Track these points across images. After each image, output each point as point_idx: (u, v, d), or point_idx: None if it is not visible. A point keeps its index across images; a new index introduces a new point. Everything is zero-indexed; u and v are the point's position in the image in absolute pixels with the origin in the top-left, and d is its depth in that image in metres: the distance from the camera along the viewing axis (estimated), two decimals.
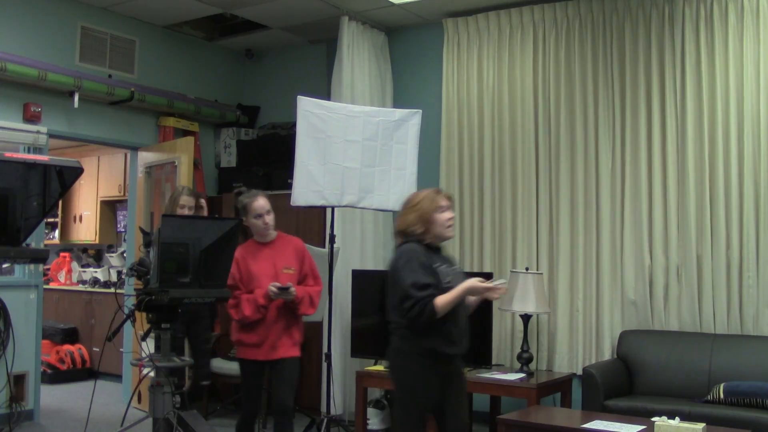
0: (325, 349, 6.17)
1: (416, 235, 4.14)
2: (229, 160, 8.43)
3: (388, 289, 4.15)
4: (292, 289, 4.78)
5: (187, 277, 4.39)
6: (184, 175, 7.17)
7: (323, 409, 6.34)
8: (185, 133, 7.94)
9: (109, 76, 7.32)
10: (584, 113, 6.52)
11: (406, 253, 4.08)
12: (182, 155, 7.25)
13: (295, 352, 4.97)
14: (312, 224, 7.32)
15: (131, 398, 6.11)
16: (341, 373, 6.77)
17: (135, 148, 7.93)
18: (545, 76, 6.73)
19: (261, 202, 4.91)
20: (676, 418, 4.81)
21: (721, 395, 5.32)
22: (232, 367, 7.15)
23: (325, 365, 6.09)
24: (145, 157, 7.78)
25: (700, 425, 4.63)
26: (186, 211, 5.35)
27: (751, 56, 5.90)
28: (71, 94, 6.98)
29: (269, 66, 8.64)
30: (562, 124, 6.59)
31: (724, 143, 5.97)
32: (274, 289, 4.75)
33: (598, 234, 6.42)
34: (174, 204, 5.53)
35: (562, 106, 6.61)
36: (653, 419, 4.84)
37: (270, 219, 4.94)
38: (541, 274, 6.39)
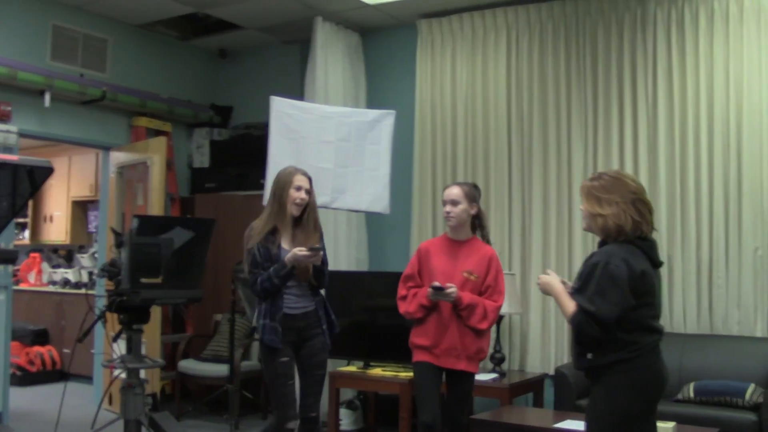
0: None
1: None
2: (202, 160, 8.39)
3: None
4: (452, 290, 4.35)
5: (159, 278, 4.38)
6: (157, 176, 7.12)
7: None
8: (158, 133, 7.89)
9: (81, 75, 7.25)
10: (557, 115, 6.56)
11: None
12: (155, 155, 7.21)
13: (470, 368, 4.49)
14: None
15: (102, 400, 6.05)
16: None
17: (107, 148, 7.87)
18: (519, 78, 6.75)
19: (449, 190, 4.58)
20: None
21: (691, 394, 5.37)
22: (204, 369, 7.12)
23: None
24: (117, 157, 7.72)
25: (671, 424, 4.68)
26: (303, 194, 4.52)
27: (721, 59, 5.96)
28: (42, 93, 6.91)
29: (243, 66, 8.61)
30: (535, 125, 6.62)
31: (694, 145, 6.03)
32: (429, 288, 4.39)
33: (571, 235, 6.45)
34: (287, 185, 4.53)
35: (535, 107, 6.64)
36: None
37: (454, 210, 4.53)
38: (514, 274, 6.42)
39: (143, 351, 4.63)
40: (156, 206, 7.06)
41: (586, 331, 3.33)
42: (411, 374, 6.08)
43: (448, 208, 4.53)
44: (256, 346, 7.34)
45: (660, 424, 4.70)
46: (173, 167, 8.06)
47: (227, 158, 8.23)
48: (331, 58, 7.16)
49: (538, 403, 6.23)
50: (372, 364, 6.34)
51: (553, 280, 3.59)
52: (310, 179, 4.63)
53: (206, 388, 7.35)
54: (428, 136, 7.12)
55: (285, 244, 4.50)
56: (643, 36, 6.27)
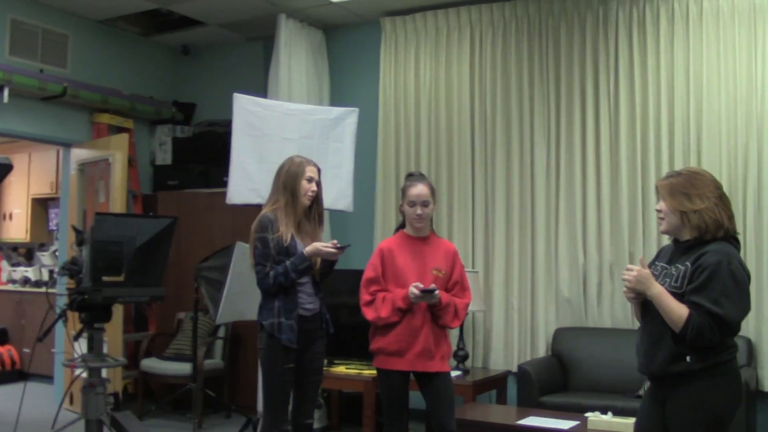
0: None
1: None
2: (165, 157, 8.33)
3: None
4: (437, 292, 4.21)
5: (121, 276, 4.34)
6: (119, 173, 7.06)
7: (259, 408, 6.29)
8: (120, 129, 7.81)
9: (41, 70, 7.16)
10: (520, 113, 6.60)
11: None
12: (116, 152, 7.14)
13: (445, 367, 4.35)
14: (248, 222, 7.23)
15: (63, 400, 5.99)
16: None
17: (68, 145, 7.78)
18: (482, 76, 6.78)
19: (419, 189, 4.32)
20: (609, 413, 4.93)
21: None
22: (166, 367, 7.08)
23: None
24: (78, 154, 7.64)
25: (632, 420, 4.71)
26: (313, 186, 4.38)
27: (681, 59, 6.04)
28: (1, 89, 6.81)
29: (206, 63, 8.56)
30: (498, 123, 6.66)
31: (655, 143, 6.10)
32: (416, 291, 4.18)
33: (533, 232, 6.50)
34: (299, 176, 4.36)
35: (498, 105, 6.67)
36: (587, 414, 4.95)
37: (426, 211, 4.34)
38: (477, 272, 6.46)
39: (105, 350, 4.60)
40: (118, 204, 7.00)
41: (706, 335, 3.11)
42: (375, 372, 6.10)
43: (420, 210, 4.32)
44: (219, 345, 7.32)
45: (621, 420, 4.78)
46: (135, 164, 8.00)
47: (190, 155, 8.18)
48: (295, 55, 7.13)
49: (502, 400, 6.27)
50: (336, 362, 6.33)
51: (650, 274, 3.32)
52: (319, 170, 4.49)
53: (169, 387, 7.30)
54: (392, 134, 7.13)
55: (295, 236, 4.31)
56: (605, 35, 6.33)
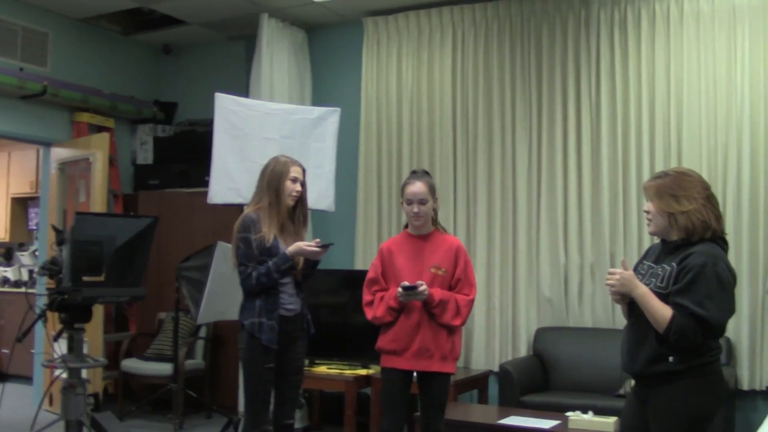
0: None
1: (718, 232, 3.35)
2: (146, 156, 8.30)
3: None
4: (423, 288, 4.15)
5: (101, 276, 4.33)
6: (99, 172, 7.03)
7: (240, 408, 6.28)
8: (100, 129, 7.77)
9: (21, 69, 7.11)
10: (502, 113, 6.61)
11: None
12: (97, 152, 7.11)
13: (446, 368, 4.28)
14: (229, 222, 7.21)
15: (42, 401, 5.95)
16: None
17: (48, 144, 7.73)
18: (464, 76, 6.80)
19: (415, 188, 4.28)
20: (590, 412, 4.95)
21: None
22: (147, 368, 7.05)
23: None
24: (59, 154, 7.60)
25: (612, 419, 4.76)
26: (298, 187, 4.35)
27: (662, 60, 6.07)
28: None
29: (187, 62, 8.53)
30: (480, 123, 6.67)
31: (636, 144, 6.13)
32: (400, 289, 4.16)
33: (515, 233, 6.52)
34: (284, 176, 4.34)
35: (480, 106, 6.69)
36: (567, 414, 4.97)
37: (422, 209, 4.29)
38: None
39: (85, 350, 4.57)
40: (98, 203, 6.97)
41: (690, 336, 3.11)
42: (356, 372, 6.12)
43: (416, 208, 4.28)
44: (200, 345, 7.29)
45: (602, 419, 4.80)
46: (116, 164, 7.96)
47: (171, 155, 8.15)
48: (277, 54, 7.12)
49: (483, 399, 6.28)
50: (317, 362, 6.33)
51: (633, 275, 3.31)
52: (304, 171, 4.45)
53: (150, 388, 7.26)
54: (373, 134, 7.13)
55: (278, 237, 4.29)
56: (587, 36, 6.36)
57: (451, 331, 4.29)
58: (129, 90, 8.21)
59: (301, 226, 4.44)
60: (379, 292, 4.35)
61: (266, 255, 4.21)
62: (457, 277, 4.33)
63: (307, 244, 4.21)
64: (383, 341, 4.34)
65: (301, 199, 4.42)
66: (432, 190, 4.36)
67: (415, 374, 4.34)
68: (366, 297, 4.38)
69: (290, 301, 4.32)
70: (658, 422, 3.27)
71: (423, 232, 4.39)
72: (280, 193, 4.29)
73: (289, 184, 4.31)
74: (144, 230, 4.47)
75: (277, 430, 4.39)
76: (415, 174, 4.43)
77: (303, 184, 4.40)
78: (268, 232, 4.22)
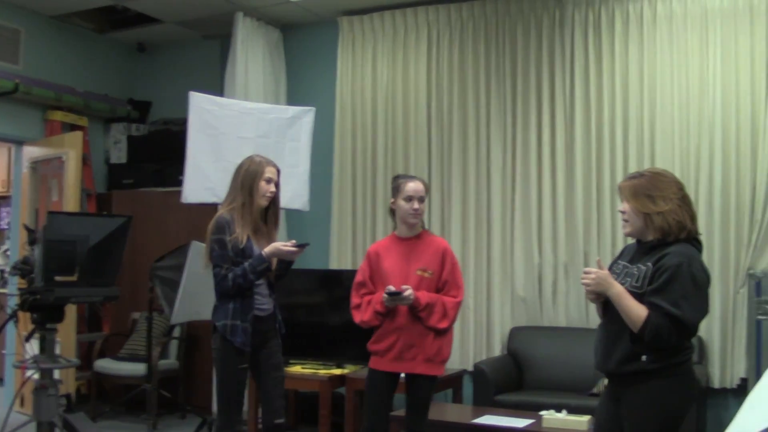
0: None
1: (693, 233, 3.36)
2: (120, 156, 8.24)
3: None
4: (408, 293, 4.15)
5: (74, 276, 4.30)
6: (72, 171, 6.98)
7: (215, 408, 6.25)
8: (73, 127, 7.69)
9: None
10: (476, 113, 6.63)
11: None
12: (70, 150, 7.06)
13: (430, 370, 4.29)
14: (203, 221, 7.19)
15: (13, 402, 5.89)
16: None
17: (20, 143, 7.66)
18: (439, 76, 6.81)
19: (416, 184, 4.31)
20: (563, 411, 4.98)
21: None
22: (121, 368, 7.01)
23: None
24: (31, 152, 7.53)
25: (586, 418, 4.79)
26: (272, 188, 4.30)
27: (635, 61, 6.12)
28: None
29: (162, 61, 8.48)
30: (455, 123, 6.69)
31: (610, 144, 6.17)
32: (385, 294, 4.18)
33: (489, 232, 6.54)
34: (257, 177, 4.28)
35: (455, 105, 6.70)
36: (541, 413, 5.00)
37: (422, 207, 4.34)
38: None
39: (57, 351, 4.54)
40: (71, 202, 6.92)
41: (665, 336, 3.13)
42: (330, 371, 6.12)
43: (417, 205, 4.29)
44: (174, 345, 7.26)
45: (576, 418, 4.83)
46: (89, 163, 7.88)
47: (145, 154, 8.10)
48: (252, 53, 7.10)
49: (458, 399, 6.29)
50: (291, 361, 6.31)
51: (608, 275, 3.33)
52: (279, 171, 4.41)
53: (123, 388, 7.23)
54: (348, 133, 7.13)
55: (251, 238, 4.25)
56: (561, 37, 6.39)
57: (439, 333, 4.28)
58: (103, 88, 8.16)
59: (273, 227, 4.41)
60: (366, 296, 4.35)
61: (240, 256, 4.18)
62: (444, 279, 4.33)
63: (283, 244, 4.19)
64: (371, 343, 4.36)
65: (274, 200, 4.39)
66: (427, 191, 4.43)
67: (402, 375, 4.35)
68: (354, 300, 4.39)
69: (263, 302, 4.30)
70: (631, 420, 3.28)
71: (412, 233, 4.39)
72: (254, 193, 4.25)
73: (263, 184, 4.27)
74: (117, 230, 4.44)
75: (268, 431, 4.36)
76: (405, 176, 4.47)
77: (277, 185, 4.37)
78: (241, 233, 4.19)
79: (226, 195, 4.40)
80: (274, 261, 4.28)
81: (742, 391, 5.62)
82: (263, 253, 4.17)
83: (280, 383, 4.42)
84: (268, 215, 4.39)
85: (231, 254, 4.17)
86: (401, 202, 4.33)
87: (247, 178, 4.28)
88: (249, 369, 4.29)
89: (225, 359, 4.20)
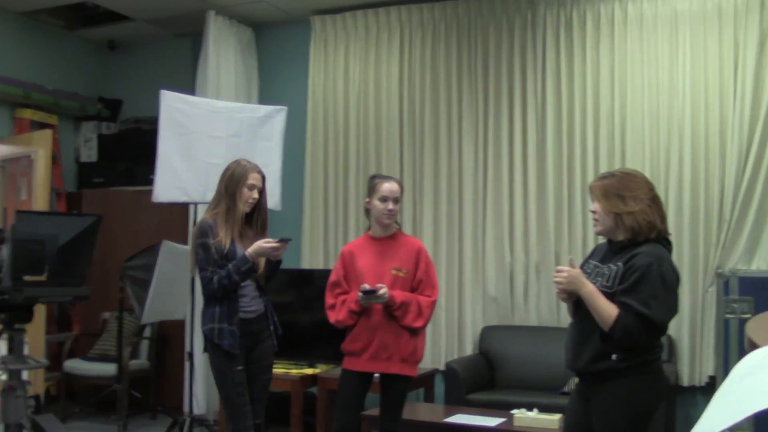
0: (188, 348, 6.08)
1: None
2: (90, 154, 8.19)
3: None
4: (383, 291, 4.16)
5: (43, 275, 4.25)
6: (42, 170, 6.91)
7: (186, 408, 6.23)
8: (43, 125, 7.63)
9: None
10: (448, 113, 6.65)
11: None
12: (39, 149, 6.98)
13: (405, 371, 4.31)
14: (174, 221, 7.19)
15: None
16: (204, 372, 6.66)
17: None
18: (411, 76, 6.82)
19: (391, 185, 4.33)
20: (535, 409, 5.01)
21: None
22: (91, 368, 6.96)
23: (188, 364, 5.99)
24: None
25: (557, 416, 4.82)
26: (255, 194, 4.29)
27: (606, 61, 6.16)
28: None
29: (133, 59, 8.43)
30: (427, 123, 6.70)
31: (581, 144, 6.21)
32: (360, 293, 4.18)
33: (461, 232, 6.56)
34: (241, 182, 4.27)
35: (427, 106, 6.72)
36: (513, 411, 5.03)
37: (396, 207, 4.35)
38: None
39: (26, 351, 4.49)
40: (41, 201, 6.85)
41: (634, 335, 3.16)
42: (302, 371, 6.11)
43: (391, 205, 4.31)
44: (145, 345, 7.22)
45: (547, 417, 4.86)
46: (59, 161, 7.82)
47: (116, 153, 8.06)
48: (224, 52, 7.08)
49: (429, 398, 6.30)
50: None
51: (580, 273, 3.35)
52: (264, 177, 4.40)
53: (93, 389, 7.18)
54: (320, 133, 7.12)
55: (236, 242, 4.24)
56: (533, 38, 6.42)
57: (414, 333, 4.30)
58: (73, 86, 8.09)
59: (260, 234, 4.39)
60: (341, 296, 4.35)
61: (224, 260, 4.18)
62: (419, 279, 4.35)
63: (265, 241, 4.18)
64: (345, 343, 4.36)
65: (259, 205, 4.38)
66: (402, 191, 4.44)
67: (377, 375, 4.36)
68: (328, 300, 4.39)
69: (251, 303, 4.29)
70: (601, 418, 3.31)
71: (387, 233, 4.41)
72: (237, 199, 4.25)
73: (245, 191, 4.26)
74: (88, 229, 4.40)
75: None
76: (381, 176, 4.50)
77: (261, 191, 4.36)
78: (224, 237, 4.19)
79: (212, 199, 4.41)
80: (262, 262, 4.27)
81: (710, 388, 5.69)
82: (246, 253, 4.16)
83: (266, 386, 4.42)
84: (253, 220, 4.39)
85: (216, 257, 4.17)
86: (376, 202, 4.34)
87: (231, 183, 4.28)
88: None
89: (217, 364, 4.21)
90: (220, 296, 4.17)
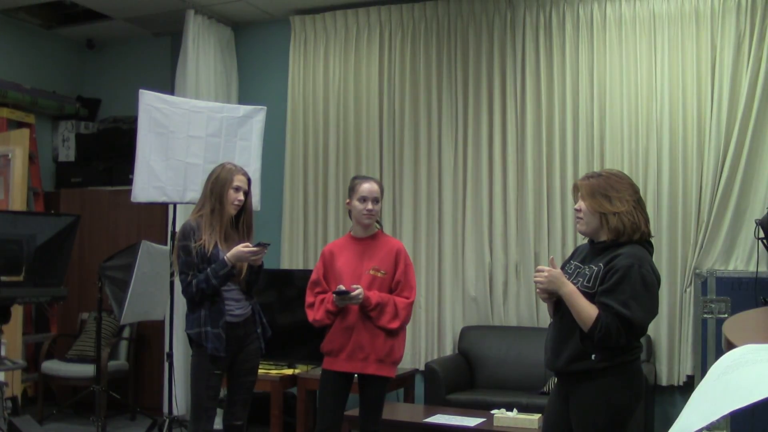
0: (167, 349, 6.04)
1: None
2: (68, 154, 8.13)
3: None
4: (357, 293, 4.14)
5: (20, 276, 4.22)
6: (19, 169, 6.86)
7: (165, 409, 6.20)
8: (20, 124, 7.57)
9: None
10: (428, 113, 6.66)
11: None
12: (16, 148, 6.94)
13: (382, 371, 4.29)
14: (153, 221, 7.16)
15: None
16: (184, 373, 6.64)
17: None
18: (391, 76, 6.82)
19: (370, 185, 4.33)
20: (514, 409, 5.02)
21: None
22: (69, 369, 6.91)
23: (167, 365, 5.96)
24: None
25: (536, 416, 4.84)
26: (240, 196, 4.29)
27: (585, 63, 6.19)
28: None
29: (111, 58, 8.38)
30: (407, 123, 6.71)
31: (560, 145, 6.24)
32: (333, 293, 4.18)
33: (440, 232, 6.57)
34: (226, 185, 4.28)
35: (406, 105, 6.72)
36: (492, 411, 5.04)
37: (376, 208, 4.34)
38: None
39: (3, 352, 4.46)
40: (18, 201, 6.81)
41: (614, 335, 3.15)
42: (282, 372, 6.10)
43: (371, 205, 4.31)
44: (123, 345, 7.18)
45: (526, 416, 4.87)
46: (36, 161, 7.77)
47: (94, 152, 8.00)
48: (203, 51, 7.05)
49: (409, 398, 6.31)
50: None
51: (561, 273, 3.34)
52: (249, 180, 4.41)
53: (71, 390, 7.14)
54: (300, 133, 7.11)
55: (220, 245, 4.23)
56: (513, 38, 6.44)
57: (390, 333, 4.28)
58: (51, 85, 8.04)
59: (246, 237, 4.38)
60: (320, 295, 4.36)
61: (207, 263, 4.17)
62: (397, 280, 4.34)
63: (244, 246, 4.17)
64: (323, 342, 4.36)
65: (244, 208, 4.38)
66: (381, 192, 4.44)
67: (356, 375, 4.36)
68: (308, 299, 4.39)
69: (237, 307, 4.28)
70: (579, 418, 3.32)
71: (368, 233, 4.41)
72: (223, 201, 4.25)
73: (231, 193, 4.26)
74: (65, 229, 4.37)
75: (227, 431, 4.36)
76: (362, 176, 4.51)
77: (246, 194, 4.36)
78: (208, 240, 4.19)
79: (198, 201, 4.42)
80: (244, 266, 4.26)
81: (688, 388, 5.73)
82: (225, 257, 4.15)
83: (249, 387, 4.42)
84: (239, 223, 4.39)
85: (197, 261, 4.17)
86: (356, 203, 4.34)
87: (217, 185, 4.29)
88: (224, 374, 4.29)
89: (197, 365, 4.21)
90: (198, 300, 4.17)
